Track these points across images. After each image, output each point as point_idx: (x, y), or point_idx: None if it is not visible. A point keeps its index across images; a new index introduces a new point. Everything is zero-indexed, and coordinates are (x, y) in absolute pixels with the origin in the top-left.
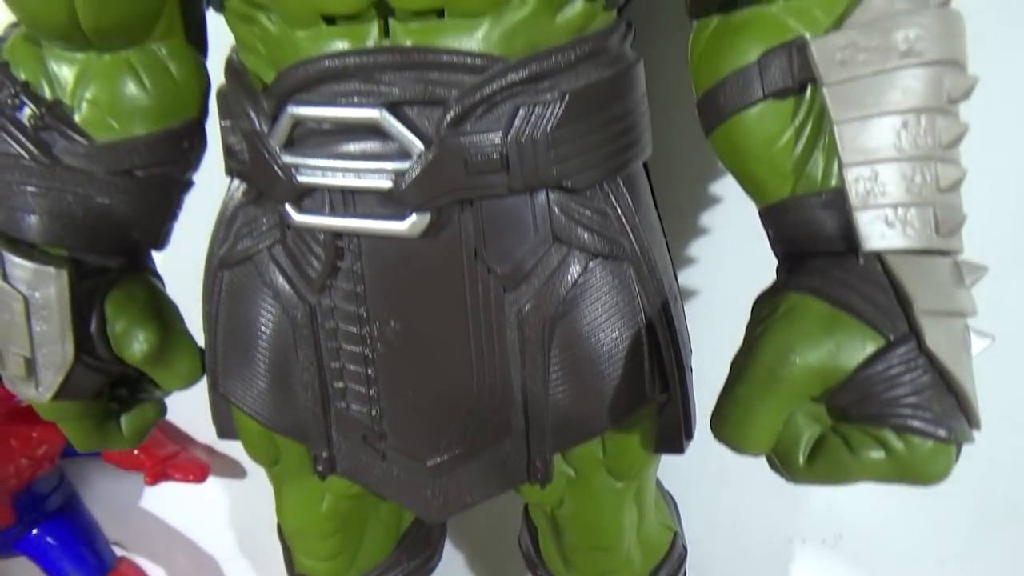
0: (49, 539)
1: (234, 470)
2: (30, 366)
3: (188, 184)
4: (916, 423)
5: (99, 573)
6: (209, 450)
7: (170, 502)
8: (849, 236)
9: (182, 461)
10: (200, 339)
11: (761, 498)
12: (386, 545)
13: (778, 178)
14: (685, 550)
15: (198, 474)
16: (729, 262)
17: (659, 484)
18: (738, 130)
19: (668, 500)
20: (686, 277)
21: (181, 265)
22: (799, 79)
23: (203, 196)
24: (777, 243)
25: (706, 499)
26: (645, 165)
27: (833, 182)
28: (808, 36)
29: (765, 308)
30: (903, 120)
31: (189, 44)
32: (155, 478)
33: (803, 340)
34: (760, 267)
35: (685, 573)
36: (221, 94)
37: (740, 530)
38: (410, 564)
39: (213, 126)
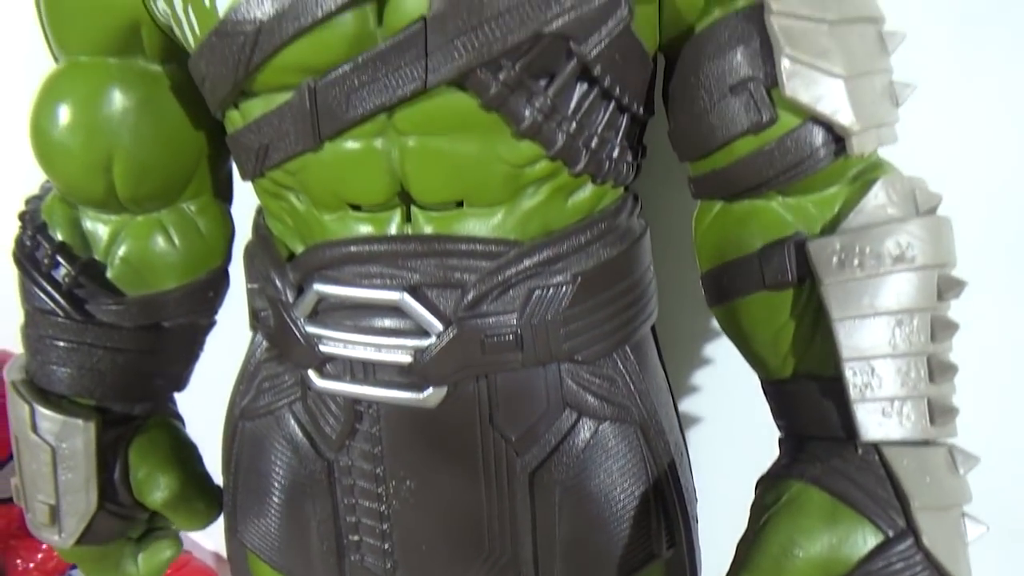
0: None
1: None
2: (54, 513)
3: (211, 326)
4: None
5: None
6: (217, 557)
7: None
8: (848, 424)
9: (191, 571)
10: (217, 475)
11: None
12: None
13: (778, 360)
14: None
15: None
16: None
17: None
18: (740, 312)
19: None
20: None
21: (203, 403)
22: (797, 274)
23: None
24: (779, 417)
25: None
26: (652, 327)
27: (831, 371)
28: (806, 235)
29: (769, 494)
30: (897, 319)
31: (216, 199)
32: None
33: (806, 533)
34: (761, 427)
35: None
36: (248, 254)
37: None
38: None
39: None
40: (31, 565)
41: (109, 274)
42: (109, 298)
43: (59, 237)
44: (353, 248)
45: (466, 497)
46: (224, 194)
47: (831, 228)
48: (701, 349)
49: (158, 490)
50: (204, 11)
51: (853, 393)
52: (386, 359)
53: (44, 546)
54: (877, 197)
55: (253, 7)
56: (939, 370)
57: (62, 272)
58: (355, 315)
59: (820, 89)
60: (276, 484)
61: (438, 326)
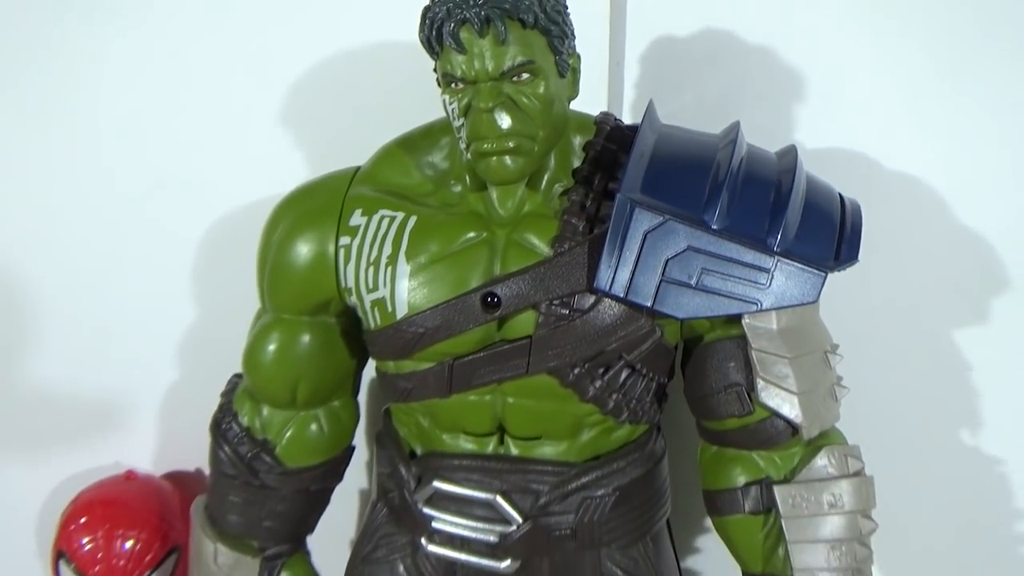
0: None
1: None
2: None
3: (334, 488)
4: None
5: None
6: None
7: None
8: None
9: None
10: None
11: None
12: None
13: (753, 560)
14: None
15: None
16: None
17: None
18: (727, 527)
19: None
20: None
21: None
22: (766, 506)
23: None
24: None
25: None
26: (668, 521)
27: (789, 572)
28: (773, 478)
29: None
30: (831, 546)
31: (352, 397)
32: None
33: None
34: None
35: None
36: (379, 443)
37: None
38: None
39: None
40: None
41: (277, 451)
42: (276, 469)
43: (245, 423)
44: (461, 461)
45: None
46: (356, 393)
47: (790, 476)
48: (704, 537)
49: None
50: (386, 314)
51: None
52: (479, 538)
53: None
54: (821, 460)
55: (420, 321)
56: None
57: (245, 449)
58: (459, 504)
59: (781, 400)
60: None
61: (518, 519)
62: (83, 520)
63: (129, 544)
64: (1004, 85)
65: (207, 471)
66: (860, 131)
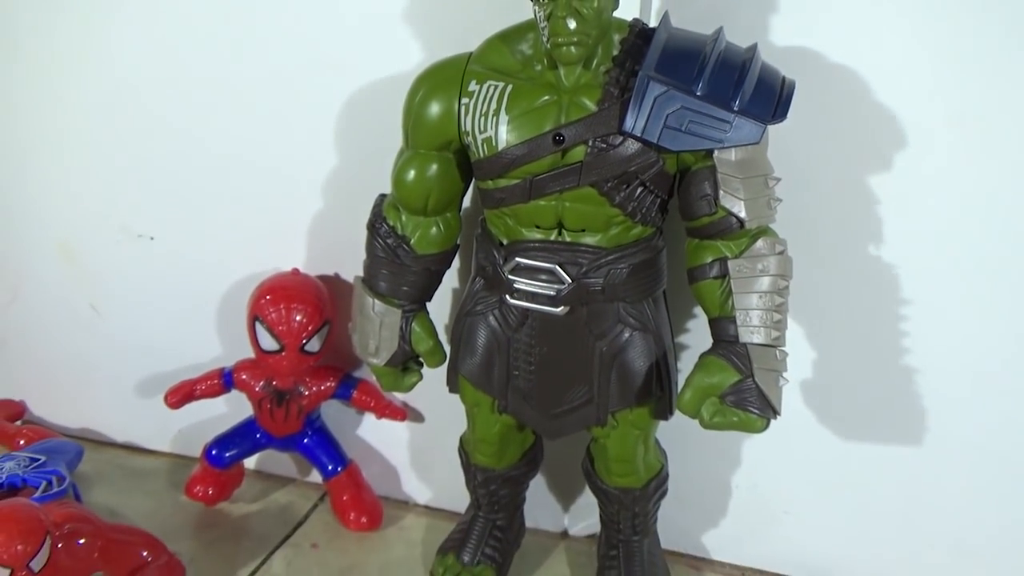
0: (314, 442)
1: (415, 417)
2: (376, 350)
3: (446, 271)
4: (752, 408)
5: (340, 464)
6: (404, 404)
7: (381, 429)
8: (736, 335)
9: (392, 409)
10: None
11: (705, 453)
12: (518, 454)
13: (714, 307)
14: (667, 474)
15: (401, 415)
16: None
17: (657, 440)
18: (699, 289)
19: (661, 447)
20: (678, 338)
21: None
22: (722, 273)
23: None
24: (712, 330)
25: (673, 445)
26: (664, 291)
27: (733, 314)
28: (727, 256)
29: (701, 358)
30: (759, 295)
31: (458, 212)
32: (380, 414)
33: (710, 374)
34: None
35: (667, 488)
36: (478, 240)
37: (695, 470)
38: (527, 467)
39: None
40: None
41: (411, 243)
42: (411, 255)
43: (391, 223)
44: (534, 244)
45: (570, 359)
46: (459, 210)
47: (739, 254)
48: (687, 303)
49: (422, 343)
50: (491, 147)
51: (740, 323)
52: (544, 292)
53: (324, 385)
54: (758, 243)
55: (513, 151)
56: (777, 318)
57: (391, 241)
58: (531, 272)
59: (733, 204)
60: (480, 345)
61: (569, 280)
62: (268, 297)
63: (299, 316)
64: None
65: (343, 274)
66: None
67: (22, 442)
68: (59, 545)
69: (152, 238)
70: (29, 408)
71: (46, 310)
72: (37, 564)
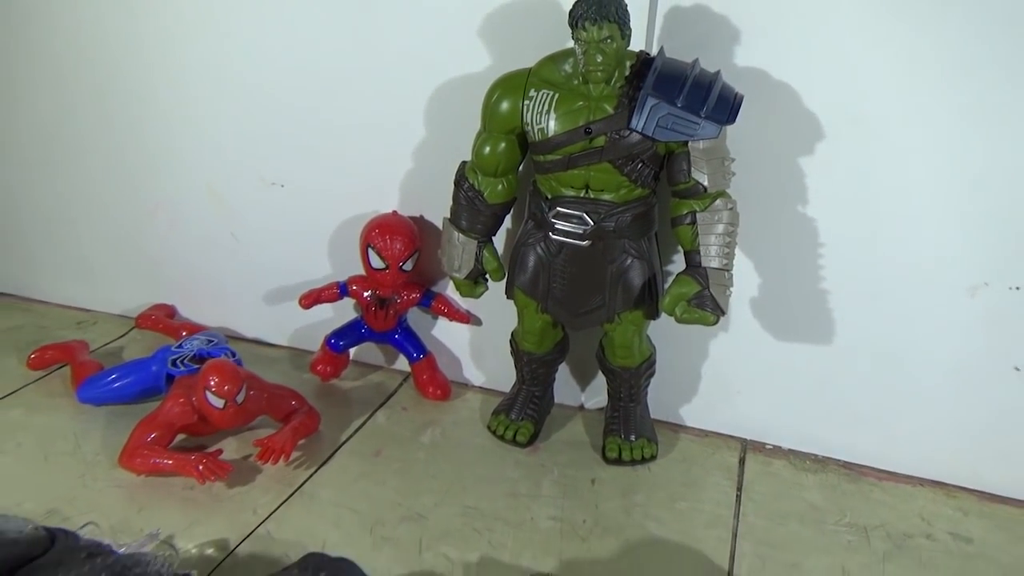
0: (403, 337)
1: (475, 322)
2: (459, 267)
3: (506, 215)
4: (708, 308)
5: (421, 353)
6: (469, 312)
7: (450, 329)
8: (699, 262)
9: (461, 314)
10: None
11: (681, 348)
12: (552, 344)
13: (686, 244)
14: (655, 360)
15: (465, 319)
16: (674, 265)
17: (648, 336)
18: (677, 232)
19: (651, 341)
20: (665, 267)
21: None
22: (692, 222)
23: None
24: (685, 259)
25: (661, 343)
26: (656, 233)
27: (698, 247)
28: (697, 210)
29: (677, 277)
30: (716, 235)
31: (516, 175)
32: (451, 318)
33: (682, 286)
34: (680, 266)
35: (654, 370)
36: (530, 193)
37: (674, 360)
38: (558, 354)
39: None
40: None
41: (484, 195)
42: (485, 203)
43: (471, 181)
44: (568, 199)
45: (590, 277)
46: (517, 174)
47: (703, 210)
48: (670, 243)
49: (490, 263)
50: (544, 135)
51: (702, 254)
52: (574, 231)
53: (414, 294)
54: (716, 203)
55: (558, 139)
56: (727, 251)
57: (471, 193)
58: (567, 217)
59: (701, 176)
60: (530, 266)
61: (591, 224)
62: (378, 230)
63: (399, 244)
64: None
65: (429, 217)
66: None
67: (184, 333)
68: (250, 392)
69: (282, 185)
70: (179, 311)
71: (196, 237)
72: (239, 399)
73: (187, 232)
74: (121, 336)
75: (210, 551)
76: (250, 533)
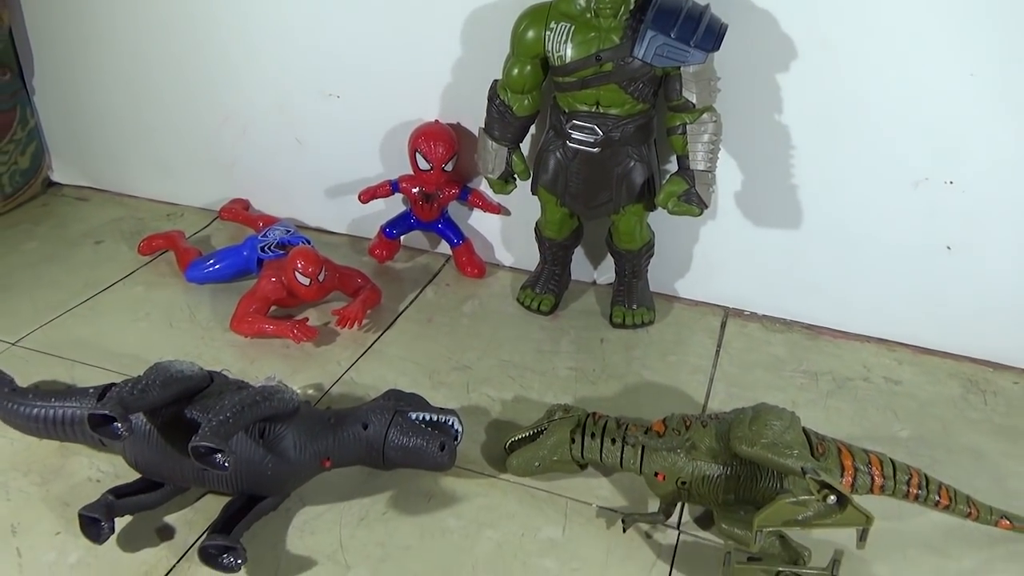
0: (445, 225)
1: (504, 212)
2: (492, 169)
3: (531, 126)
4: (693, 203)
5: (460, 239)
6: (501, 205)
7: (484, 219)
8: (688, 165)
9: (493, 206)
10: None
11: (675, 234)
12: (569, 231)
13: (678, 150)
14: (653, 243)
15: (496, 210)
16: (668, 167)
17: (648, 224)
18: (671, 140)
19: (651, 228)
20: (662, 166)
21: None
22: (683, 132)
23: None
24: (678, 163)
25: (660, 229)
26: (654, 140)
27: (688, 152)
28: (688, 122)
29: (670, 177)
30: (702, 143)
31: (541, 92)
32: (485, 210)
33: (672, 184)
34: (673, 168)
35: (653, 252)
36: (551, 108)
37: (668, 244)
38: (574, 239)
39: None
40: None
41: (514, 109)
42: (513, 116)
43: (502, 97)
44: (582, 112)
45: (600, 176)
46: (540, 92)
47: (693, 122)
48: (667, 148)
49: (518, 166)
50: (562, 60)
51: (690, 158)
52: (587, 139)
53: (452, 190)
54: (704, 115)
55: (574, 64)
56: (712, 156)
57: (502, 108)
58: (580, 128)
59: (690, 93)
60: (551, 168)
61: (600, 134)
62: (423, 137)
63: (441, 148)
64: None
65: (466, 124)
66: None
67: (261, 224)
68: (327, 272)
69: (339, 96)
70: (252, 204)
71: (265, 141)
72: (321, 278)
73: (257, 137)
74: (206, 226)
75: (311, 391)
76: (339, 379)
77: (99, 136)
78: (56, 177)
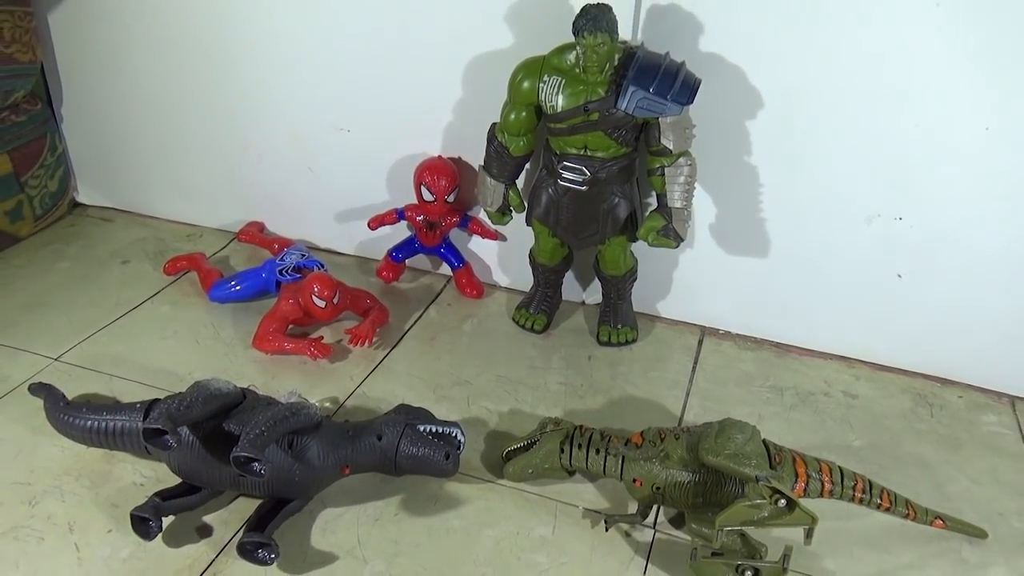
0: (447, 250)
1: (502, 239)
2: (491, 203)
3: (525, 164)
4: (670, 237)
5: (460, 262)
6: (498, 232)
7: (482, 244)
8: (666, 203)
9: (491, 233)
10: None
11: (656, 262)
12: (560, 258)
13: (657, 189)
14: (636, 269)
15: (494, 237)
16: (651, 201)
17: (632, 252)
18: (651, 180)
19: (634, 256)
20: (645, 199)
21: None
22: (661, 173)
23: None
24: (657, 201)
25: (643, 257)
26: (636, 179)
27: (665, 192)
28: (665, 165)
29: (649, 213)
30: (679, 184)
31: (534, 135)
32: (483, 236)
33: (653, 220)
34: (653, 205)
35: (636, 276)
36: (544, 150)
37: (650, 270)
38: (564, 265)
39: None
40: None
41: (510, 150)
42: (509, 156)
43: (499, 139)
44: (573, 155)
45: (588, 211)
46: (534, 135)
47: (670, 165)
48: (647, 187)
49: (514, 200)
50: (554, 110)
51: (669, 197)
52: (576, 178)
53: (453, 218)
54: (680, 160)
55: (564, 114)
56: (688, 195)
57: (500, 148)
58: (570, 168)
59: (667, 141)
60: (544, 202)
61: (588, 174)
62: (428, 171)
63: (444, 181)
64: None
65: (466, 159)
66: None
67: (276, 246)
68: (340, 294)
69: (349, 130)
70: (267, 226)
71: (281, 169)
72: (335, 301)
73: (273, 165)
74: (224, 247)
75: (327, 404)
76: (352, 393)
77: (122, 161)
78: (81, 198)
